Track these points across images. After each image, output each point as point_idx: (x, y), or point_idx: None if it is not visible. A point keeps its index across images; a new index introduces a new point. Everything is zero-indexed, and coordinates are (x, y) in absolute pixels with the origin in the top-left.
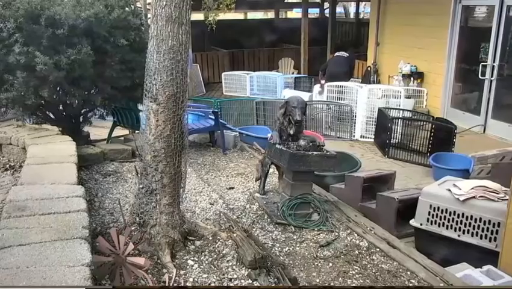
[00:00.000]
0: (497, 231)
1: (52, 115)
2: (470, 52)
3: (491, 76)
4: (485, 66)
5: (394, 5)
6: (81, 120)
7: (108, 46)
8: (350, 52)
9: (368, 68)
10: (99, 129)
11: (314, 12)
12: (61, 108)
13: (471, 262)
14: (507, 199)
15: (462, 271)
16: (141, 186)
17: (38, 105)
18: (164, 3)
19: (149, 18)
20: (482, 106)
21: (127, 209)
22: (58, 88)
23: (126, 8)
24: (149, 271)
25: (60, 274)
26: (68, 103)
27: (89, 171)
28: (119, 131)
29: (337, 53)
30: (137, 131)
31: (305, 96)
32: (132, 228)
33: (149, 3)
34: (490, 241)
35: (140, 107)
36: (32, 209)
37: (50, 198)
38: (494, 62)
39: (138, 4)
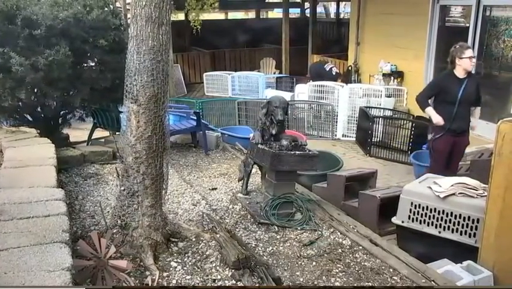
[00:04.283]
0: (476, 227)
1: (29, 117)
2: (448, 51)
3: None
4: None
5: (373, 4)
6: (59, 121)
7: (87, 47)
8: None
9: (349, 68)
10: (78, 131)
11: (294, 12)
12: (39, 109)
13: (452, 257)
14: (486, 195)
15: (443, 267)
16: (122, 188)
17: (15, 107)
18: (144, 3)
19: (129, 18)
20: None
21: (108, 211)
22: (35, 90)
23: (105, 8)
24: (131, 273)
25: (40, 279)
26: (47, 105)
27: (69, 174)
28: (99, 133)
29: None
30: (117, 133)
31: (286, 95)
32: (114, 231)
33: (129, 3)
34: (469, 237)
35: (121, 108)
36: (10, 213)
37: (29, 202)
38: None
39: (117, 4)
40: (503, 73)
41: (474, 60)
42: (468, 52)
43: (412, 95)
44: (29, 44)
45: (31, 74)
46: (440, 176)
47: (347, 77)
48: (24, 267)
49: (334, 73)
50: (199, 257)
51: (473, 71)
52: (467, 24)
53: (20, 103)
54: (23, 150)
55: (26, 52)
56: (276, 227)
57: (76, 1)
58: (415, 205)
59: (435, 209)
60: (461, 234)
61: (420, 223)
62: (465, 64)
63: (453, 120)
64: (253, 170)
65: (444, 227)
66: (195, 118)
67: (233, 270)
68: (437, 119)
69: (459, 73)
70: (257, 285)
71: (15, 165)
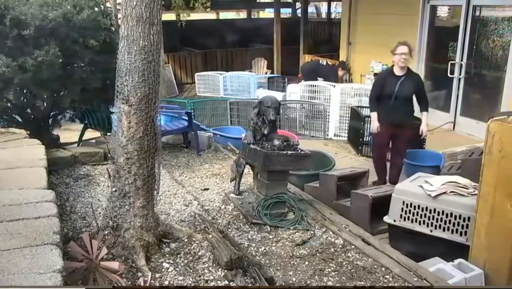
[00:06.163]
0: (467, 225)
1: (19, 118)
2: (439, 50)
3: (460, 74)
4: (453, 64)
5: (365, 4)
6: (50, 122)
7: (77, 47)
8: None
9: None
10: (69, 132)
11: (286, 12)
12: (28, 110)
13: (443, 256)
14: (476, 194)
15: (435, 265)
16: (114, 189)
17: (4, 108)
18: (134, 3)
19: (120, 18)
20: (452, 103)
21: (100, 213)
22: (24, 91)
23: (96, 9)
24: (123, 275)
25: (31, 282)
26: (36, 106)
27: (59, 175)
28: (90, 134)
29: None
30: (108, 133)
31: (278, 95)
32: (106, 232)
33: (119, 3)
34: (460, 235)
35: (112, 109)
36: (0, 215)
37: (19, 203)
38: (462, 60)
39: (108, 4)
40: (492, 72)
41: (404, 56)
42: (400, 49)
43: None
44: (18, 45)
45: (19, 76)
46: (431, 175)
47: (346, 68)
48: (14, 269)
49: (330, 64)
50: (191, 258)
51: (407, 69)
52: (457, 24)
53: (9, 104)
54: (13, 151)
55: (15, 52)
56: (268, 227)
57: (66, 1)
58: (407, 204)
59: (426, 208)
60: (452, 232)
61: (412, 221)
62: (396, 59)
63: (390, 113)
64: (246, 170)
65: (436, 225)
66: (187, 118)
67: (225, 271)
68: (374, 126)
69: (396, 68)
70: (250, 285)
71: (4, 167)
